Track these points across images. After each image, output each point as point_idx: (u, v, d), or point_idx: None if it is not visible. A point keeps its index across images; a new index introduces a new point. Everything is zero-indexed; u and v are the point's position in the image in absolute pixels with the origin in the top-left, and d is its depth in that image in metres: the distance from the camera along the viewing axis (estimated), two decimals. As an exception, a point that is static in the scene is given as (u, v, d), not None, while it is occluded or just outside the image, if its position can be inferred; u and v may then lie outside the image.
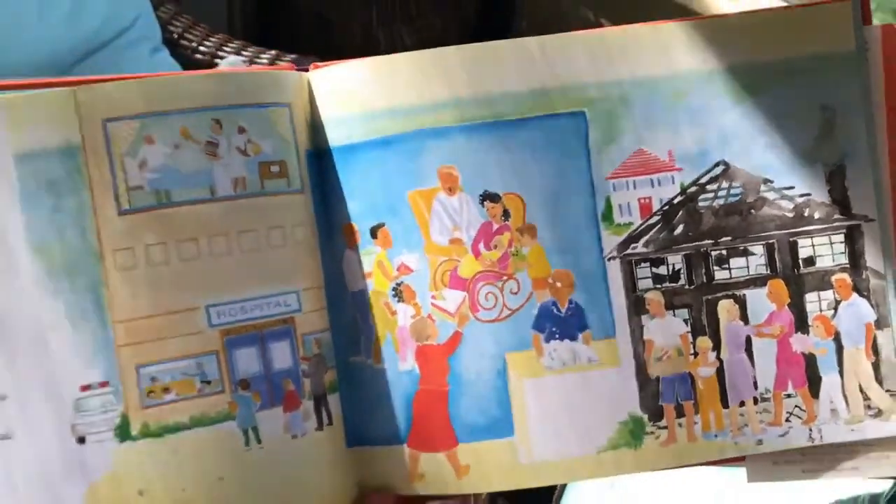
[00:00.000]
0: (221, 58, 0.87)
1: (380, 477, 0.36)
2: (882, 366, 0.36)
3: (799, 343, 0.36)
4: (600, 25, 1.38)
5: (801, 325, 0.36)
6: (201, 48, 0.89)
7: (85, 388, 0.31)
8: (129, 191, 0.32)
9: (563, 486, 0.78)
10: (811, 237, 0.36)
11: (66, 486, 0.31)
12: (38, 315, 0.31)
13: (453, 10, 1.30)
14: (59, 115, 0.32)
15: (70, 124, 0.32)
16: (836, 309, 0.36)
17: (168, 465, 0.31)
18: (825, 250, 0.36)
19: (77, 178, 0.32)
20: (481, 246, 0.36)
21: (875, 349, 0.36)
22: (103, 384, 0.31)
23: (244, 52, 0.87)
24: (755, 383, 0.36)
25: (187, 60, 0.87)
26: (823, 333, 0.36)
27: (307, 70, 0.37)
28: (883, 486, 0.43)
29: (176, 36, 0.89)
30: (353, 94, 0.36)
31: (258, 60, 0.86)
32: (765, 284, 0.36)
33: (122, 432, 0.31)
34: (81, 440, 0.31)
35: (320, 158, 0.36)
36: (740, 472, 0.37)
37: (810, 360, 0.36)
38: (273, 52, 0.89)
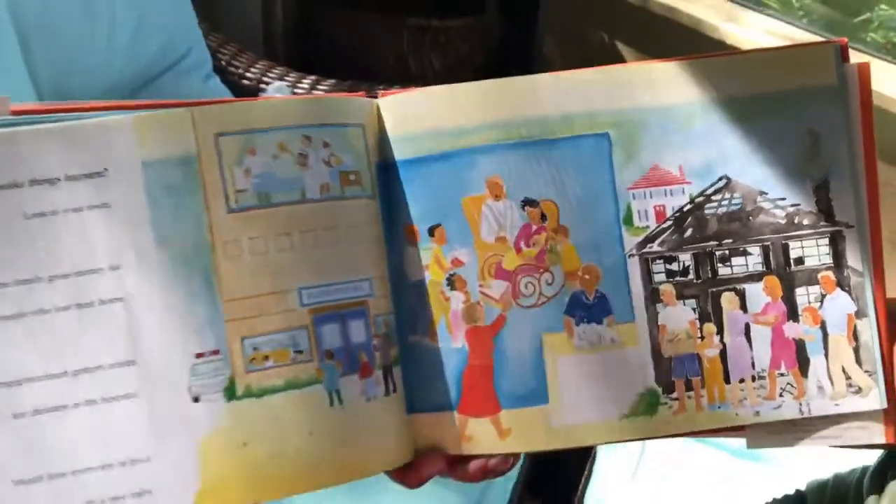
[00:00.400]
0: (267, 83, 0.94)
1: (433, 439, 0.42)
2: (861, 350, 0.42)
3: (791, 330, 0.42)
4: (615, 47, 1.45)
5: (793, 314, 0.42)
6: (248, 74, 0.96)
7: (199, 355, 0.38)
8: (235, 193, 0.39)
9: (588, 478, 0.83)
10: (801, 240, 0.42)
11: (182, 437, 0.37)
12: (162, 295, 0.38)
13: (478, 37, 1.38)
14: (179, 131, 0.39)
15: (188, 138, 0.39)
16: (822, 301, 0.42)
17: (267, 421, 0.38)
18: (812, 252, 0.42)
19: (193, 183, 0.39)
20: (522, 244, 0.42)
21: (855, 336, 0.42)
22: (214, 352, 0.38)
23: (286, 78, 0.95)
24: (753, 363, 0.42)
25: (235, 86, 0.94)
26: (811, 322, 0.42)
27: (376, 97, 0.44)
28: (871, 459, 0.48)
29: (224, 63, 0.96)
30: (415, 117, 0.43)
31: (300, 85, 0.93)
32: (761, 280, 0.42)
33: (230, 393, 0.38)
34: (196, 399, 0.38)
35: (387, 170, 0.43)
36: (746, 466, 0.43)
37: (800, 345, 0.42)
38: (312, 77, 0.96)
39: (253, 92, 0.94)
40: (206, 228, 0.38)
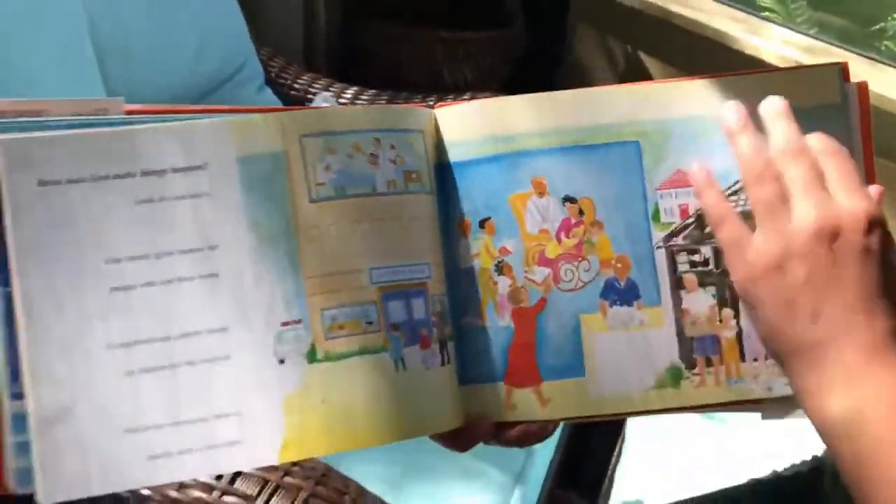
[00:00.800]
0: (314, 93, 1.00)
1: (481, 407, 0.48)
2: None
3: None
4: (638, 58, 1.50)
5: None
6: (295, 85, 1.03)
7: (285, 324, 0.44)
8: (316, 186, 0.45)
9: (613, 473, 0.88)
10: None
11: (269, 395, 0.43)
12: (253, 271, 0.44)
13: (507, 49, 1.46)
14: (269, 132, 0.45)
15: (276, 138, 0.45)
16: None
17: (342, 382, 0.44)
18: None
19: (281, 176, 0.45)
20: (562, 235, 0.48)
21: None
22: (297, 322, 0.44)
23: (331, 89, 1.01)
24: None
25: (284, 96, 1.01)
26: None
27: (433, 107, 0.50)
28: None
29: (273, 75, 1.03)
30: (468, 125, 0.48)
31: (343, 96, 1.00)
32: None
33: (310, 357, 0.44)
34: (281, 361, 0.43)
35: (443, 170, 0.49)
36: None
37: None
38: (354, 88, 1.03)
39: (300, 101, 1.00)
40: (291, 216, 0.44)
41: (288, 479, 0.63)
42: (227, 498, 0.61)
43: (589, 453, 0.96)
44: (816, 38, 1.38)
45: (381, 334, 0.45)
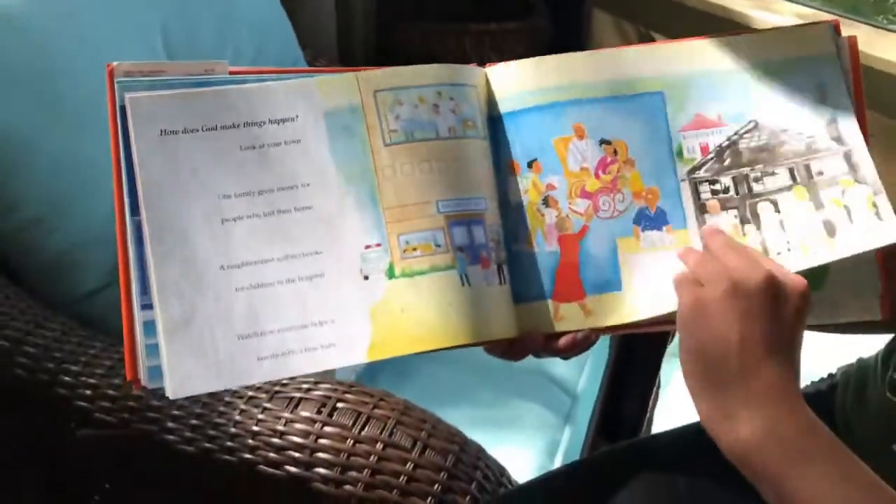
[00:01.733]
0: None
1: (533, 322, 0.55)
2: (881, 212, 0.53)
3: (819, 215, 0.53)
4: (652, 40, 1.57)
5: (819, 206, 0.54)
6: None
7: (367, 246, 0.52)
8: (389, 132, 0.53)
9: (651, 415, 0.95)
10: (820, 160, 0.55)
11: (358, 305, 0.51)
12: (339, 204, 0.52)
13: (530, 38, 1.53)
14: (348, 88, 0.53)
15: (354, 93, 0.53)
16: (843, 194, 0.54)
17: (418, 294, 0.51)
18: (830, 165, 0.54)
19: (359, 125, 0.53)
20: (600, 172, 0.56)
21: (875, 205, 0.53)
22: (378, 245, 0.52)
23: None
24: (788, 242, 0.53)
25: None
26: (837, 206, 0.54)
27: (485, 67, 0.58)
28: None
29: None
30: (516, 81, 0.56)
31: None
32: (790, 190, 0.55)
33: (390, 273, 0.52)
34: (366, 278, 0.51)
35: (494, 120, 0.56)
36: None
37: (828, 223, 0.54)
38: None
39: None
40: (369, 157, 0.52)
41: (377, 411, 0.70)
42: (327, 429, 0.69)
43: (628, 396, 1.03)
44: (825, 11, 1.46)
45: (449, 255, 0.52)
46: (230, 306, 0.50)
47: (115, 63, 0.50)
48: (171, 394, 0.49)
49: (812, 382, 0.66)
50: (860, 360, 0.63)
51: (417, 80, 0.54)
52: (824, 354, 0.68)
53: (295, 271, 0.51)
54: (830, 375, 0.66)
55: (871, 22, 1.30)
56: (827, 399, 0.64)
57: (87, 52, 0.87)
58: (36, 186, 0.85)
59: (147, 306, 0.50)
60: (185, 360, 0.49)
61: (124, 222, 0.50)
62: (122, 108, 0.50)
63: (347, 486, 0.66)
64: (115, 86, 0.50)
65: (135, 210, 0.50)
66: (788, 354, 0.47)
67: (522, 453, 0.91)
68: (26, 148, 0.83)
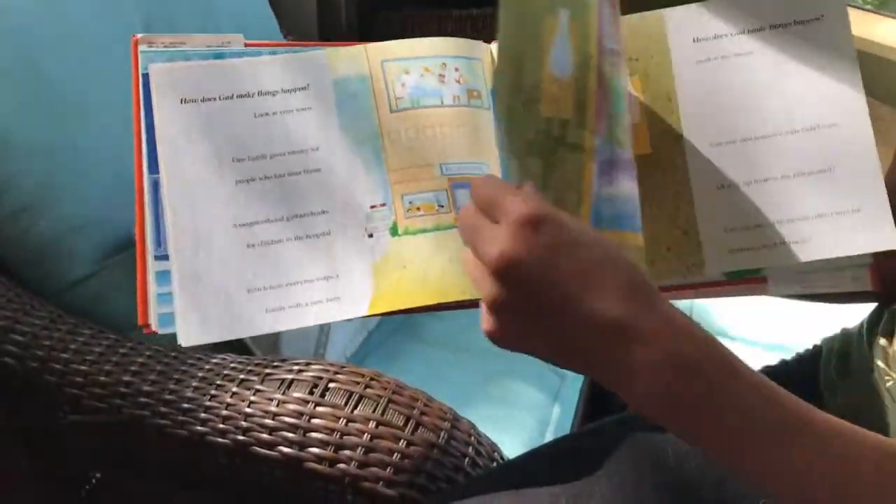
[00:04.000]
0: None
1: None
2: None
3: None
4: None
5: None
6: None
7: (373, 206, 0.54)
8: (396, 99, 0.55)
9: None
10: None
11: (362, 261, 0.53)
12: (347, 166, 0.54)
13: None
14: (357, 59, 0.56)
15: (363, 63, 0.56)
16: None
17: (419, 251, 0.53)
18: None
19: (367, 93, 0.55)
20: (599, 139, 0.57)
21: None
22: (382, 204, 0.54)
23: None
24: None
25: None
26: None
27: (489, 43, 0.60)
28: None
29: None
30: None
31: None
32: None
33: (393, 231, 0.54)
34: (370, 235, 0.54)
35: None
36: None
37: None
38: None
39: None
40: (376, 122, 0.55)
41: (369, 391, 0.72)
42: (320, 409, 0.71)
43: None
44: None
45: (451, 214, 0.54)
46: (241, 261, 0.53)
47: (139, 35, 0.54)
48: (182, 341, 0.51)
49: (797, 354, 0.67)
50: (844, 331, 0.63)
51: (423, 52, 0.57)
52: (809, 327, 0.69)
53: (303, 229, 0.53)
54: (815, 347, 0.66)
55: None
56: (811, 366, 0.64)
57: (70, 41, 0.88)
58: (20, 176, 0.83)
59: (160, 257, 0.52)
60: (196, 311, 0.52)
61: (142, 179, 0.53)
62: (146, 76, 0.54)
63: (341, 465, 0.66)
64: (140, 56, 0.54)
65: (153, 168, 0.53)
66: (598, 272, 0.41)
67: (512, 432, 0.91)
68: (9, 137, 0.83)
